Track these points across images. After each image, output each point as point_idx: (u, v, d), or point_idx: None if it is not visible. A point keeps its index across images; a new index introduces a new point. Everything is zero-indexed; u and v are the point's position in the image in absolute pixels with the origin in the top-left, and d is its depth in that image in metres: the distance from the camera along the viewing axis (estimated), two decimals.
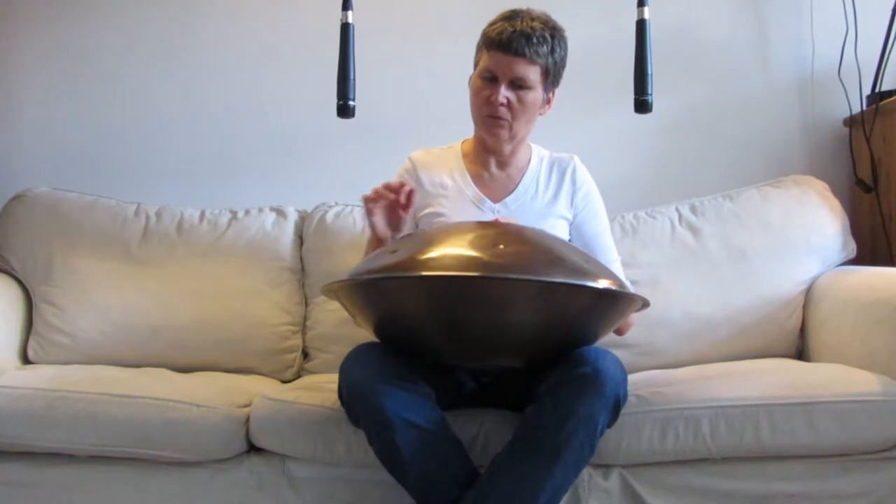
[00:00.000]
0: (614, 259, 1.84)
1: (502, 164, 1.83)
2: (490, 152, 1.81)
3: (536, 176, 1.83)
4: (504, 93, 1.69)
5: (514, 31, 1.67)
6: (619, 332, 1.78)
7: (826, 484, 1.58)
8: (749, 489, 1.58)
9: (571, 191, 1.83)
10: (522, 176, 1.83)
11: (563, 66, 1.76)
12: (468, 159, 1.85)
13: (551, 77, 1.73)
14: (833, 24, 2.33)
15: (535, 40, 1.67)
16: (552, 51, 1.69)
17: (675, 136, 2.42)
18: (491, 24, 1.72)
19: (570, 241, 1.81)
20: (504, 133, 1.74)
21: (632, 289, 1.82)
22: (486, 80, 1.71)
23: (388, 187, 1.62)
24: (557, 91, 1.79)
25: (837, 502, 1.57)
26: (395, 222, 1.65)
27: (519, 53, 1.67)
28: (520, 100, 1.70)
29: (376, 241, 1.66)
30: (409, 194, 1.63)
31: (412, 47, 2.45)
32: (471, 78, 1.78)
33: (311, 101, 2.43)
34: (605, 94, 2.37)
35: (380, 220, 1.64)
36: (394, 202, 1.63)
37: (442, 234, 1.43)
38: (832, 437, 1.55)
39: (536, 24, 1.68)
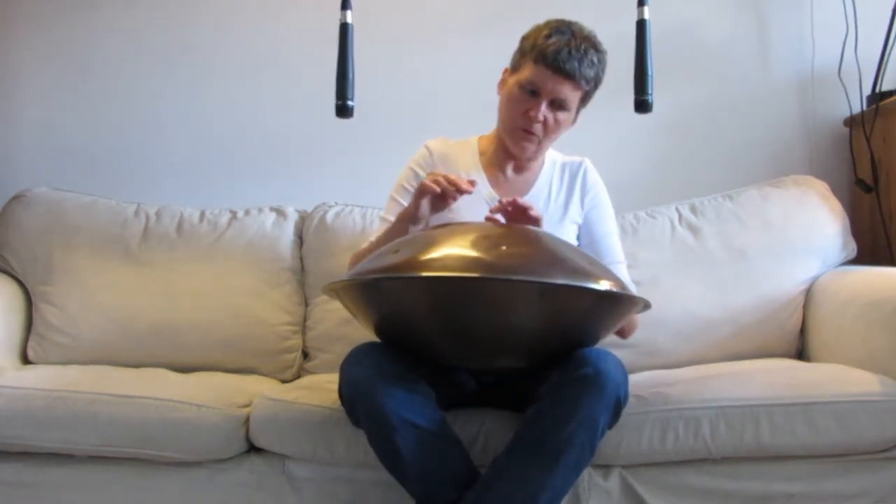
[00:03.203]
0: (620, 261, 1.83)
1: (519, 168, 1.83)
2: (510, 157, 1.80)
3: (550, 179, 1.84)
4: (543, 111, 1.68)
5: (569, 51, 1.63)
6: (621, 334, 1.77)
7: (826, 484, 1.58)
8: (749, 489, 1.58)
9: (581, 193, 1.83)
10: (536, 179, 1.83)
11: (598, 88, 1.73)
12: (485, 158, 1.84)
13: (587, 100, 1.73)
14: (833, 24, 2.33)
15: (585, 64, 1.64)
16: (596, 75, 1.68)
17: (675, 136, 2.42)
18: (544, 36, 1.66)
19: (578, 243, 1.81)
20: (532, 147, 1.75)
21: (634, 290, 1.81)
22: (527, 93, 1.68)
23: (453, 183, 1.56)
24: None
25: (837, 502, 1.57)
26: (439, 207, 1.61)
27: (569, 76, 1.64)
28: (556, 119, 1.70)
29: (411, 221, 1.61)
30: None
31: (412, 47, 2.45)
32: (504, 79, 1.75)
33: (310, 101, 2.43)
34: (605, 93, 2.36)
35: (425, 203, 1.59)
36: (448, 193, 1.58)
37: (445, 235, 1.42)
38: (832, 437, 1.55)
39: (589, 47, 1.65)
